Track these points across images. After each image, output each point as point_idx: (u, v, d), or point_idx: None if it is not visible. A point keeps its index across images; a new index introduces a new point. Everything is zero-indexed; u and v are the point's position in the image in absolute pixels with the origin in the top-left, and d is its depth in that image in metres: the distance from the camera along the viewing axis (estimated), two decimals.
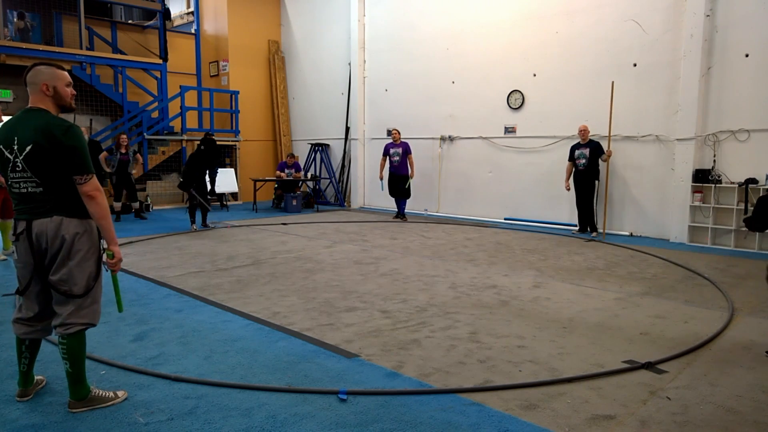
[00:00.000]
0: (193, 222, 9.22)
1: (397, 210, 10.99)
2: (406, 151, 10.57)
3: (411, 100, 11.93)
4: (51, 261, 2.76)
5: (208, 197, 9.47)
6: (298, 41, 14.77)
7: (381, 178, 10.85)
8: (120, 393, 2.99)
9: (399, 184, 10.62)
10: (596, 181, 8.77)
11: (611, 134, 8.51)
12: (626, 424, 2.75)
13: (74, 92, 2.90)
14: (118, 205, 10.54)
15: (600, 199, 8.88)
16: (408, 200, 10.93)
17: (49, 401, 2.96)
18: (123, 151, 10.38)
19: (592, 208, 8.84)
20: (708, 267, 6.47)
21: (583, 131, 8.74)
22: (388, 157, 10.65)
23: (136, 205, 10.68)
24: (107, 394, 2.95)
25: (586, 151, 8.67)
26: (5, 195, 6.48)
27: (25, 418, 2.78)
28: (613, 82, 8.36)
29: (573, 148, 8.89)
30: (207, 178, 9.57)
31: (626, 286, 5.59)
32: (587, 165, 8.66)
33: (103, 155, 10.33)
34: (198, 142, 9.62)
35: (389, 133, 12.23)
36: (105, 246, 2.86)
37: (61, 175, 2.70)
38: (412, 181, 10.68)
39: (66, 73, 2.86)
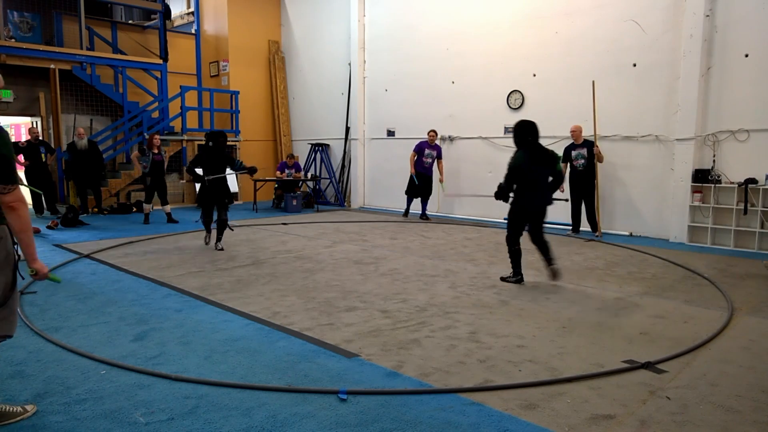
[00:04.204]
0: (208, 232, 7.77)
1: (406, 209, 11.05)
2: (440, 155, 10.69)
3: (411, 100, 11.93)
4: None
5: (226, 201, 7.59)
6: (298, 41, 14.76)
7: (413, 173, 10.70)
8: (29, 407, 2.84)
9: (426, 185, 10.69)
10: (595, 181, 8.75)
11: (611, 134, 8.53)
12: (626, 424, 2.75)
13: None
14: (148, 207, 10.19)
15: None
16: (408, 200, 10.99)
17: (49, 401, 2.96)
18: (155, 151, 9.96)
19: (593, 207, 8.82)
20: (708, 267, 6.47)
21: (575, 131, 8.69)
22: (418, 156, 10.61)
23: (168, 208, 10.24)
24: (15, 409, 2.79)
25: (584, 151, 8.61)
26: None
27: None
28: (594, 81, 8.44)
29: (568, 149, 8.79)
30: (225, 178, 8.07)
31: (626, 285, 5.59)
32: (586, 165, 8.61)
33: (135, 155, 10.04)
34: (202, 142, 9.04)
35: (390, 133, 12.26)
36: (21, 256, 2.68)
37: None
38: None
39: None
